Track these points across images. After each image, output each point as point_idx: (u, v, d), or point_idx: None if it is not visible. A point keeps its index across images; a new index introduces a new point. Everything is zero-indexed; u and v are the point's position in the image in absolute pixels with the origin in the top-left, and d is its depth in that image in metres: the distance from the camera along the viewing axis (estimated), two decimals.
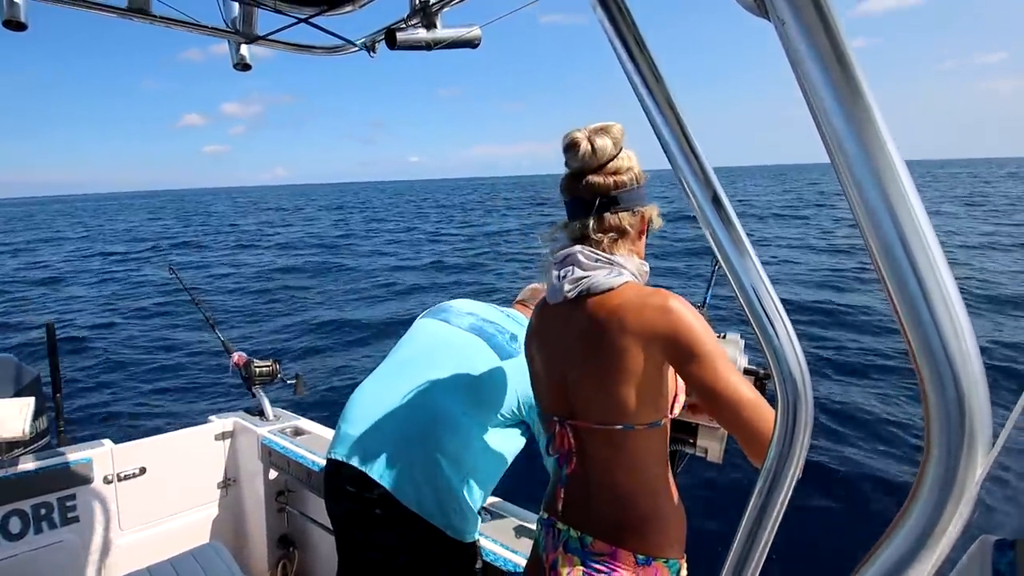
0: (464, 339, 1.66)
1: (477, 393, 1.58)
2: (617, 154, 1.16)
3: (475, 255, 18.06)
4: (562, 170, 1.24)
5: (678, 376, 1.18)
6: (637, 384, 1.09)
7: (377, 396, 1.61)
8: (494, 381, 1.59)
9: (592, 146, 1.14)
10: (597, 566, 1.14)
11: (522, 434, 1.68)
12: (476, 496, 1.56)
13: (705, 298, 1.60)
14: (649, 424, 1.12)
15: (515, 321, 1.75)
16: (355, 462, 1.50)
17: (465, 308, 1.78)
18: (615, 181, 1.15)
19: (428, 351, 1.65)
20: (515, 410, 1.61)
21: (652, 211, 1.21)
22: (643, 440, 1.13)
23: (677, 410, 1.23)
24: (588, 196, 1.16)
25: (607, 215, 1.16)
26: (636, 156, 1.20)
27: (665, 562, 1.14)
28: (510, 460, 1.67)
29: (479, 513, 1.62)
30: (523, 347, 1.42)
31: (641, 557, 1.13)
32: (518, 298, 1.91)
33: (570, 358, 1.18)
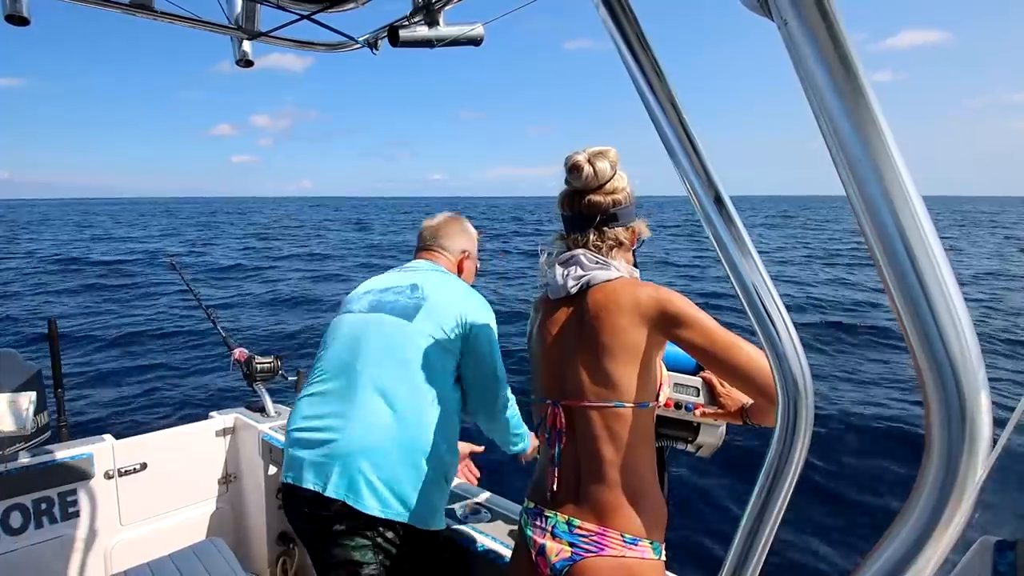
0: (366, 323, 1.63)
1: (401, 369, 1.55)
2: (613, 175, 1.29)
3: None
4: None
5: (663, 367, 1.35)
6: (629, 363, 1.19)
7: (312, 414, 1.60)
8: (410, 346, 1.56)
9: (594, 169, 1.26)
10: (586, 545, 1.19)
11: (457, 392, 1.63)
12: (438, 476, 1.54)
13: None
14: (639, 404, 1.20)
15: (411, 271, 1.74)
16: (307, 484, 1.50)
17: (362, 289, 1.76)
18: (613, 200, 1.29)
19: (341, 353, 1.63)
20: (443, 355, 1.57)
21: (641, 225, 1.35)
22: (632, 419, 1.20)
23: (662, 399, 1.35)
24: (589, 212, 1.29)
25: (606, 229, 1.30)
26: (627, 177, 1.33)
27: (651, 543, 1.18)
28: (459, 423, 1.64)
29: (451, 505, 1.61)
30: (446, 302, 1.59)
31: (628, 537, 1.17)
32: (420, 245, 1.86)
33: (568, 343, 1.28)
